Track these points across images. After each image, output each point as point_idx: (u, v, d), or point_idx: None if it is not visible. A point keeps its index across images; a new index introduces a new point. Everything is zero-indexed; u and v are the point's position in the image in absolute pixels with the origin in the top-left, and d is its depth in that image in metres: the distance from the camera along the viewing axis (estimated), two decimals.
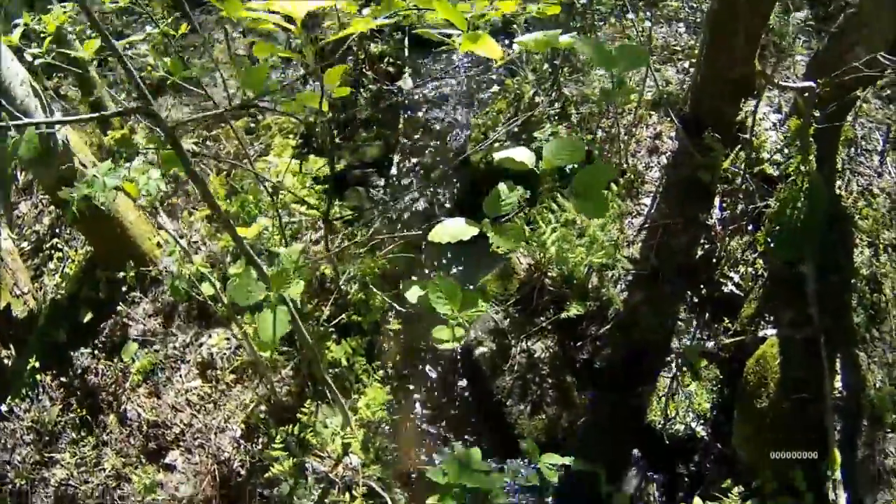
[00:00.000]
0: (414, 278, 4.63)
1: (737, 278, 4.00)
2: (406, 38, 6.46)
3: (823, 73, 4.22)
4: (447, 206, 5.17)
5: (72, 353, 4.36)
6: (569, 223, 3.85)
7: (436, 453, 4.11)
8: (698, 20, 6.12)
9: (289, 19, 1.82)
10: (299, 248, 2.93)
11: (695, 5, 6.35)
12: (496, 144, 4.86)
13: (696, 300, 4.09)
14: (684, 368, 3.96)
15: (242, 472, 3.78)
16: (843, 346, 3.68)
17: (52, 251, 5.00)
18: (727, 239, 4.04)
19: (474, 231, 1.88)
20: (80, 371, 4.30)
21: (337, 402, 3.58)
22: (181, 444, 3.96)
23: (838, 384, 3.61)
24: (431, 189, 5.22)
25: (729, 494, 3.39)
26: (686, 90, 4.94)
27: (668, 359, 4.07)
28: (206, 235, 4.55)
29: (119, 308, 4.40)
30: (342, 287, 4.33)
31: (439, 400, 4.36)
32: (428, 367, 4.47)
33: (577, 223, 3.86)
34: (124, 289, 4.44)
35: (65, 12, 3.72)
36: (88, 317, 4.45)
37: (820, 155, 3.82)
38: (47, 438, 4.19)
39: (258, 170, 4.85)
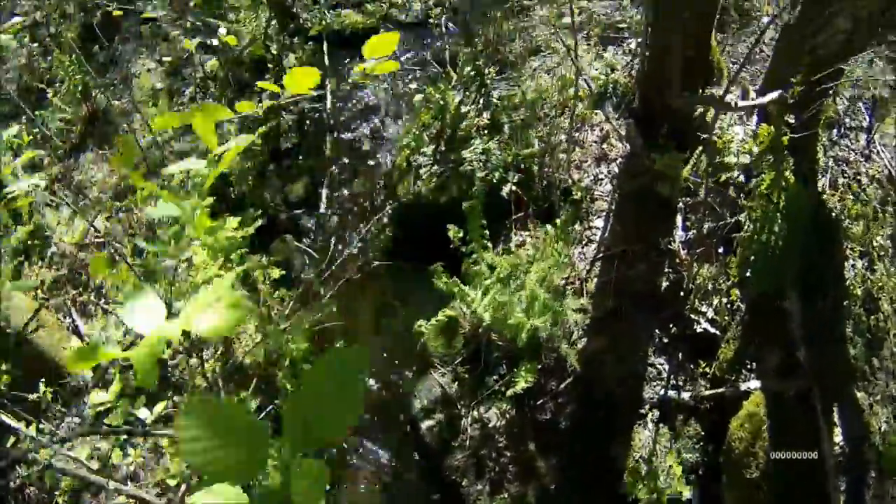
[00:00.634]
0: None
1: (710, 313, 3.39)
2: (325, 44, 5.74)
3: (797, 48, 3.56)
4: (380, 244, 4.52)
5: None
6: (502, 279, 3.21)
7: None
8: None
9: None
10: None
11: None
12: (423, 172, 4.19)
13: (665, 340, 3.49)
14: (661, 425, 3.39)
15: None
16: (840, 390, 3.10)
17: None
18: (695, 266, 3.41)
19: None
20: None
21: None
22: None
23: (838, 437, 3.05)
24: (363, 228, 4.57)
25: None
26: (635, 78, 4.25)
27: (643, 410, 3.50)
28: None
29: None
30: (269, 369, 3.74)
31: (390, 483, 3.80)
32: (375, 446, 3.90)
33: (511, 278, 3.22)
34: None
35: None
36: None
37: (796, 154, 3.18)
38: None
39: (170, 237, 4.22)
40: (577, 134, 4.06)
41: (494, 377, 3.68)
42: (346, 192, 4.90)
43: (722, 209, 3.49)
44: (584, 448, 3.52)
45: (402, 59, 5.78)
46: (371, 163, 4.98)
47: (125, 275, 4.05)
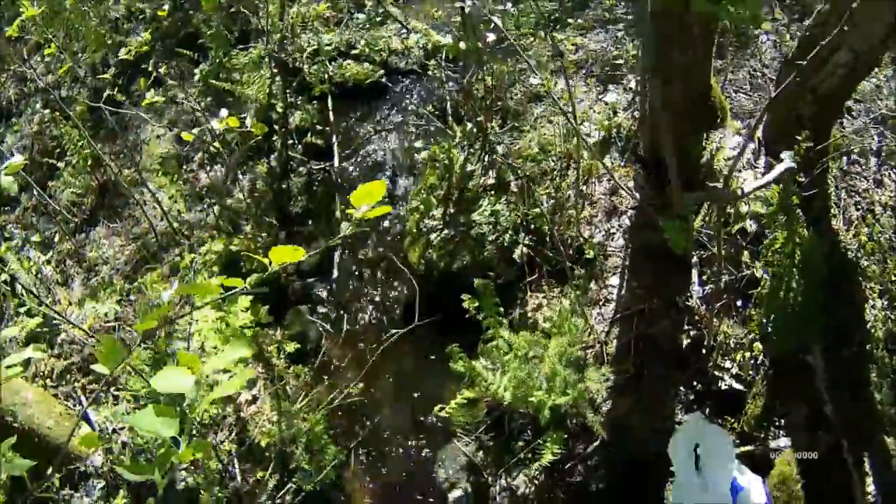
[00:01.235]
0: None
1: (734, 368, 3.36)
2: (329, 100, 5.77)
3: (798, 81, 3.53)
4: (395, 312, 4.54)
5: None
6: (520, 358, 3.22)
7: None
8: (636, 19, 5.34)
9: None
10: None
11: None
12: (434, 238, 4.21)
13: (691, 398, 3.47)
14: None
15: None
16: (868, 438, 3.06)
17: None
18: (715, 321, 3.38)
19: None
20: None
21: None
22: None
23: (870, 487, 3.02)
24: (379, 296, 4.60)
25: None
26: (637, 122, 4.22)
27: (672, 468, 3.48)
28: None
29: None
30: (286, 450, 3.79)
31: None
32: None
33: (529, 357, 3.23)
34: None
35: None
36: None
37: (807, 192, 3.15)
38: None
39: (183, 321, 4.30)
40: (584, 187, 4.04)
41: (519, 443, 3.69)
42: (361, 256, 4.92)
43: (737, 261, 3.45)
44: None
45: (407, 107, 5.81)
46: (386, 224, 4.99)
47: (136, 361, 4.12)
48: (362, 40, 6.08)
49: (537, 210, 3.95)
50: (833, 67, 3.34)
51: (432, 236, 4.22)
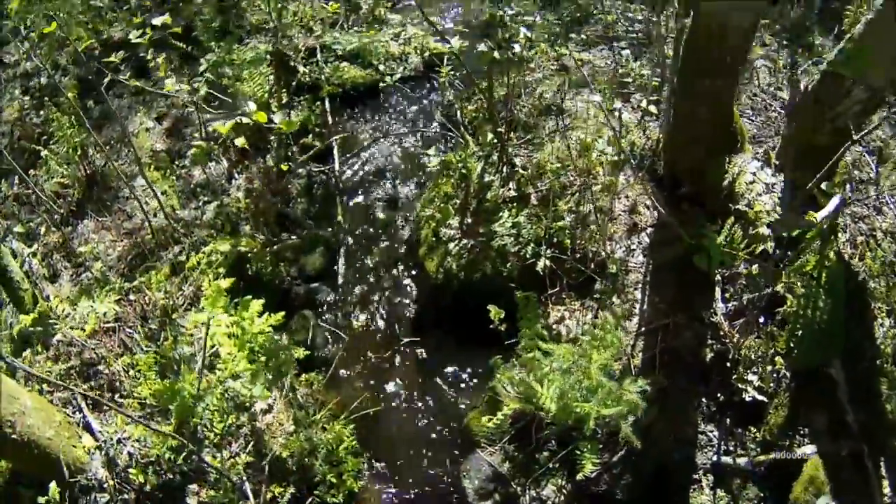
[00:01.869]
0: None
1: (756, 381, 3.53)
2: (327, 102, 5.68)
3: (817, 112, 3.74)
4: (407, 320, 4.52)
5: None
6: (564, 370, 3.28)
7: None
8: (641, 38, 5.51)
9: None
10: None
11: (631, 15, 5.73)
12: (452, 248, 4.22)
13: (713, 409, 3.62)
14: (717, 490, 3.52)
15: None
16: (884, 445, 3.29)
17: None
18: (738, 337, 3.55)
19: None
20: None
21: None
22: None
23: (887, 489, 3.25)
24: (388, 304, 4.56)
25: None
26: (654, 142, 4.36)
27: (696, 476, 3.62)
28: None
29: None
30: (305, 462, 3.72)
31: None
32: None
33: (570, 369, 3.29)
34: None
35: None
36: None
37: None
38: None
39: (191, 324, 4.14)
40: (606, 204, 4.13)
41: (545, 454, 3.74)
42: (366, 261, 4.86)
43: (759, 279, 3.62)
44: None
45: (406, 113, 5.79)
46: (391, 230, 4.96)
47: (142, 364, 3.95)
48: (359, 44, 6.02)
49: (560, 224, 4.02)
50: (851, 103, 3.57)
51: (450, 246, 4.22)
